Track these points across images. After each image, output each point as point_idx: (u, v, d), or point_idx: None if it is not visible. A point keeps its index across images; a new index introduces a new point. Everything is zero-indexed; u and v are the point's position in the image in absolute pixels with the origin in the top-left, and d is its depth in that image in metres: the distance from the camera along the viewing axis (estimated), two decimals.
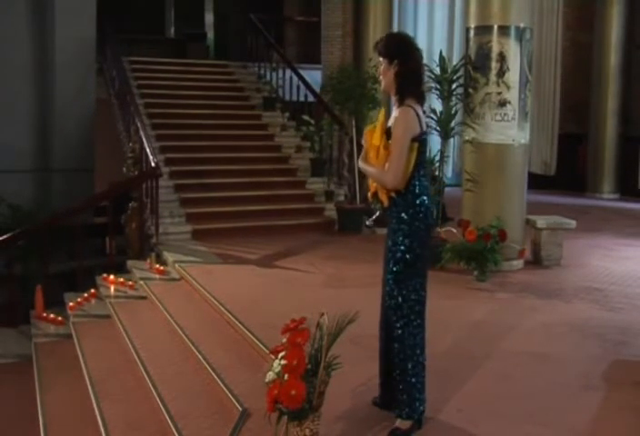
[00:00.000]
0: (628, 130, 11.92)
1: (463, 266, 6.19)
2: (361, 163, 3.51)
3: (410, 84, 3.35)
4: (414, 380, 3.35)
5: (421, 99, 3.38)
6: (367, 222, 3.52)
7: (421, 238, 3.35)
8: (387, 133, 3.36)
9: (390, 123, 3.37)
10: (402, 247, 3.33)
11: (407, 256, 3.33)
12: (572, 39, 12.47)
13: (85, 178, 10.24)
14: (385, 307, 3.46)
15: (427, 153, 3.47)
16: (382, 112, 3.51)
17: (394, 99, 3.41)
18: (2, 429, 4.84)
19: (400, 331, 3.36)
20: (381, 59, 3.41)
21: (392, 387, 3.46)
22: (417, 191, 3.34)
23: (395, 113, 3.37)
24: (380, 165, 3.34)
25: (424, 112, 3.40)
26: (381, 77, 3.48)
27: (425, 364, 3.44)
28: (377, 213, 3.55)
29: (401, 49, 3.37)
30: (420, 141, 3.32)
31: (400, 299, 3.36)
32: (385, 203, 3.41)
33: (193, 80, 10.91)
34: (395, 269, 3.36)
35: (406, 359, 3.34)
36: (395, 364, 3.39)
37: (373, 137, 3.42)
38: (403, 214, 3.34)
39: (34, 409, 4.80)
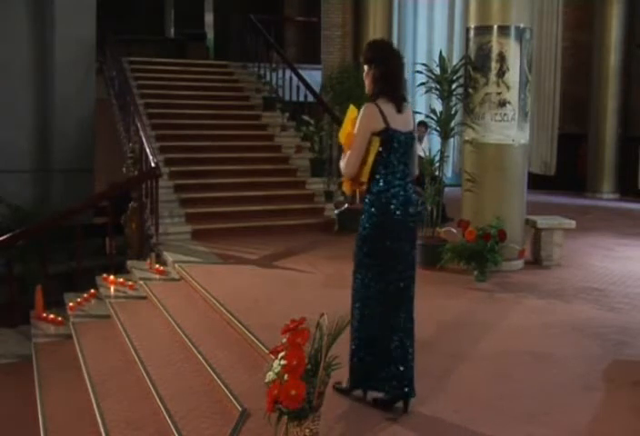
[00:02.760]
0: (628, 130, 11.92)
1: (463, 266, 6.19)
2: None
3: (385, 85, 3.55)
4: (359, 356, 3.56)
5: (395, 99, 3.54)
6: (336, 212, 3.81)
7: (383, 231, 3.53)
8: None
9: None
10: (361, 238, 3.58)
11: (364, 248, 3.56)
12: (572, 39, 12.47)
13: (85, 178, 10.24)
14: None
15: (401, 150, 3.55)
16: (351, 108, 3.67)
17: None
18: (2, 429, 4.84)
19: (353, 312, 3.59)
20: (364, 65, 3.65)
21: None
22: (380, 184, 3.52)
23: None
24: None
25: (399, 110, 3.53)
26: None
27: (373, 351, 3.56)
28: (345, 206, 3.78)
29: (377, 55, 3.61)
30: (384, 136, 3.49)
31: (357, 283, 3.59)
32: (348, 192, 3.78)
33: (193, 80, 10.90)
34: (356, 255, 3.61)
35: (352, 338, 3.58)
36: None
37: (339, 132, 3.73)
38: (368, 207, 3.58)
39: (34, 409, 4.79)
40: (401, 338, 3.54)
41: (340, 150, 10.11)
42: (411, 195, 3.57)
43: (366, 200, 3.58)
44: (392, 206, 3.50)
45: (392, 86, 3.55)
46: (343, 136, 3.65)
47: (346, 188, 3.70)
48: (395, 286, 3.55)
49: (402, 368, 3.52)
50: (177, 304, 5.78)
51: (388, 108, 3.50)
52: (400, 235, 3.55)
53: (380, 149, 3.49)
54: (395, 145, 3.51)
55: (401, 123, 3.53)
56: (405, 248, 3.57)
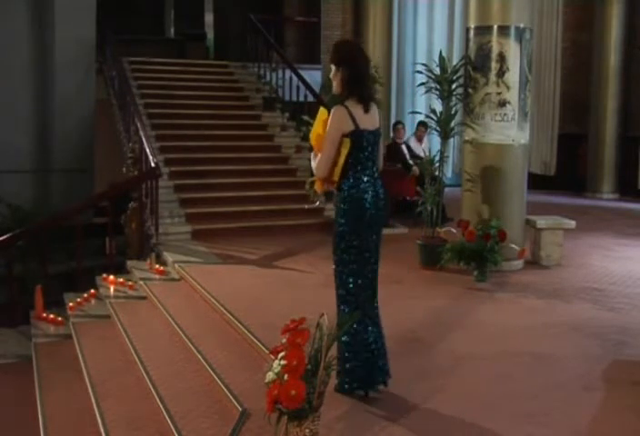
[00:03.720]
0: (628, 130, 11.91)
1: (463, 266, 6.19)
2: None
3: (354, 87, 3.63)
4: (346, 354, 3.64)
5: (363, 100, 3.62)
6: (306, 207, 3.95)
7: (355, 226, 3.62)
8: None
9: None
10: (337, 235, 3.66)
11: (341, 245, 3.64)
12: (572, 39, 12.46)
13: (85, 178, 10.24)
14: None
15: (369, 148, 3.65)
16: (321, 110, 3.76)
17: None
18: (2, 429, 4.84)
19: (337, 308, 3.69)
20: (332, 65, 3.69)
21: None
22: (351, 181, 3.63)
23: None
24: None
25: (366, 110, 3.61)
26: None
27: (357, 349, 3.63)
28: (317, 203, 3.87)
29: (346, 56, 3.67)
30: (354, 137, 3.58)
31: (337, 281, 3.69)
32: (319, 191, 3.89)
33: (193, 80, 10.91)
34: (334, 253, 3.70)
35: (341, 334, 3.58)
36: None
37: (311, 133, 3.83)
38: (340, 204, 3.66)
39: (34, 409, 4.80)
40: (375, 330, 3.67)
41: None
42: (379, 190, 3.68)
43: (339, 198, 3.67)
44: (362, 201, 3.61)
45: (360, 88, 3.63)
46: (313, 138, 3.75)
47: (318, 187, 3.83)
48: (369, 279, 3.68)
49: (382, 363, 3.67)
50: (177, 304, 5.78)
51: (357, 109, 3.60)
52: (372, 229, 3.67)
53: (350, 149, 3.59)
54: (364, 145, 3.63)
55: (368, 122, 3.64)
56: (377, 241, 3.70)
